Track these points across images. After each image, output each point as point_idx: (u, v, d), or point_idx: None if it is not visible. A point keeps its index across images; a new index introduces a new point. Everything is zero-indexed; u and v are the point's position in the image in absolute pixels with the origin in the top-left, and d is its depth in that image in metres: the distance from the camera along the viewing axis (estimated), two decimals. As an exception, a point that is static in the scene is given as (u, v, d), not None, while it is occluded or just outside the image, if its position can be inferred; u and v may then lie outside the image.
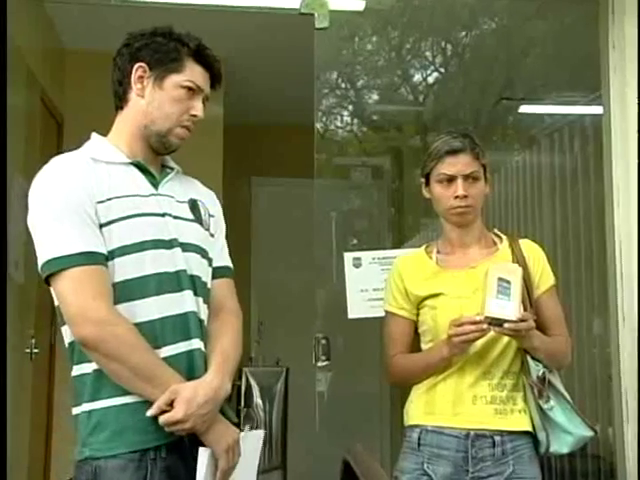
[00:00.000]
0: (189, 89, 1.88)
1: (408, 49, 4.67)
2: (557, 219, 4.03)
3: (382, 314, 2.36)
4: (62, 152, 1.88)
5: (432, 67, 4.72)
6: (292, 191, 5.53)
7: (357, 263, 2.78)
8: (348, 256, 2.79)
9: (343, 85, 4.85)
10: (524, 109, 4.49)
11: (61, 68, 4.49)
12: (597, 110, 3.37)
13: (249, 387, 4.54)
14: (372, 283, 2.72)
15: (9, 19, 3.00)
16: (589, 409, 3.32)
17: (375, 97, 4.96)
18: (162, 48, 1.87)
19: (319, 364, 2.84)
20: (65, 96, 4.49)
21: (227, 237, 2.03)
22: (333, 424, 3.46)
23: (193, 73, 1.88)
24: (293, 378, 4.56)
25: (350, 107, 5.03)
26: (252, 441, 1.87)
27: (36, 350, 3.68)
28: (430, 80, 4.77)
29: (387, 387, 4.09)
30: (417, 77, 4.78)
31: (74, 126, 4.38)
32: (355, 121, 5.11)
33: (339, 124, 5.06)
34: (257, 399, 4.54)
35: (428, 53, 4.68)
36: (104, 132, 1.94)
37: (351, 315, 2.75)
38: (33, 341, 3.67)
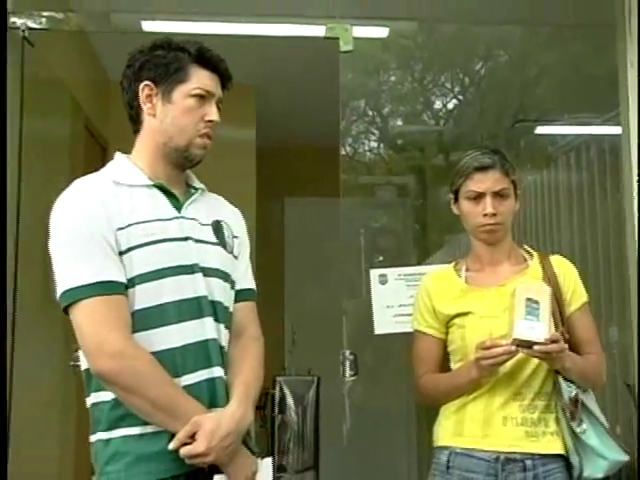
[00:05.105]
0: (200, 96, 1.65)
1: (429, 79, 4.48)
2: (575, 238, 3.76)
3: (408, 329, 2.13)
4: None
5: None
6: (322, 210, 5.32)
7: (383, 280, 2.55)
8: (374, 273, 2.56)
9: (370, 111, 4.67)
10: (540, 130, 4.24)
11: (106, 98, 4.35)
12: (612, 130, 3.12)
13: (283, 395, 4.34)
14: (398, 299, 2.50)
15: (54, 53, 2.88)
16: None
17: (398, 122, 4.76)
18: (163, 61, 1.65)
19: (346, 379, 2.61)
20: (109, 123, 4.33)
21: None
22: (360, 438, 3.23)
23: (200, 79, 1.65)
24: (323, 387, 4.37)
25: (375, 130, 4.83)
26: (262, 468, 1.65)
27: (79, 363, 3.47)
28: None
29: (413, 403, 3.87)
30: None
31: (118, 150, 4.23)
32: (380, 143, 4.91)
33: (365, 146, 4.87)
34: (291, 406, 4.34)
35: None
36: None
37: (378, 331, 2.53)
38: (79, 354, 3.47)
